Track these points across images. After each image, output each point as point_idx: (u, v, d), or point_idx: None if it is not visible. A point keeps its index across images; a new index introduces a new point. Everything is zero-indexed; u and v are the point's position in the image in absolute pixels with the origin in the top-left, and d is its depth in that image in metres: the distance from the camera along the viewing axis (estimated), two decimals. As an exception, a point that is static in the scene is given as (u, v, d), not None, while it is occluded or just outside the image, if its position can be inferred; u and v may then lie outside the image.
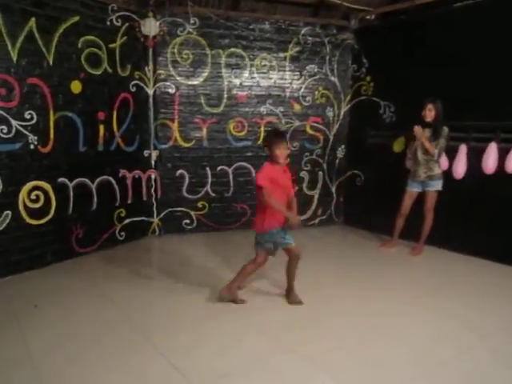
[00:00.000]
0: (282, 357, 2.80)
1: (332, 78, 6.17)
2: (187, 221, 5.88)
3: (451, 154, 4.85)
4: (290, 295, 3.67)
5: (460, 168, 4.80)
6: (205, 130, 5.82)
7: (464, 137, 4.82)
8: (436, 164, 4.76)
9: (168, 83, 5.62)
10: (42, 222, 4.43)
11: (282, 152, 3.36)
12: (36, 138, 4.31)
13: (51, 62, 4.39)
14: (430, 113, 4.67)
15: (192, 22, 5.53)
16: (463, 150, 4.79)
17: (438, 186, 4.77)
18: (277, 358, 2.79)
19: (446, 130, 4.65)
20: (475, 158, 4.71)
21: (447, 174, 4.83)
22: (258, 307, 3.55)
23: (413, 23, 5.35)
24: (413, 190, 4.92)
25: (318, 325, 3.27)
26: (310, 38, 5.98)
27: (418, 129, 4.66)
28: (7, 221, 4.12)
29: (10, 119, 4.09)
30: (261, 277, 4.16)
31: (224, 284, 3.66)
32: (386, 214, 5.28)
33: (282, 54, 5.96)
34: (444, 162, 4.87)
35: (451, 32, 4.91)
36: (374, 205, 5.78)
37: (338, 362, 2.74)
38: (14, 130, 4.12)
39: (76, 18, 4.58)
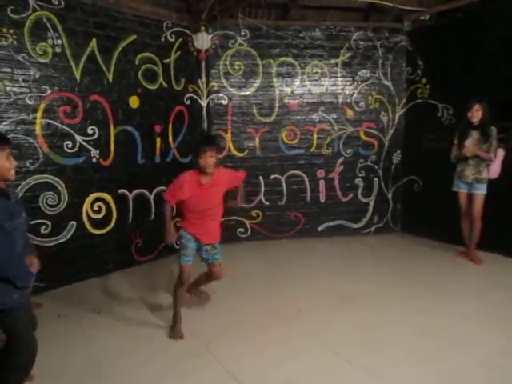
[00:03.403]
0: (340, 369, 2.74)
1: (385, 82, 6.03)
2: (241, 229, 5.93)
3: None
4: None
5: None
6: (257, 140, 5.87)
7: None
8: (485, 168, 4.55)
9: (221, 95, 5.74)
10: (104, 231, 4.65)
11: (205, 161, 3.09)
12: (98, 151, 4.54)
13: (111, 79, 4.64)
14: (477, 113, 4.48)
15: (243, 33, 5.63)
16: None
17: (484, 189, 4.57)
18: (335, 369, 2.73)
19: (494, 130, 4.45)
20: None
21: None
22: (317, 319, 3.49)
23: (470, 21, 5.12)
24: (462, 190, 4.74)
25: (378, 336, 3.16)
26: (361, 43, 5.90)
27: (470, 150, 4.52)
28: (72, 230, 4.37)
29: (75, 135, 4.35)
30: (319, 289, 4.11)
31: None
32: (447, 220, 5.06)
33: (333, 61, 5.91)
34: (496, 168, 4.56)
35: (512, 28, 4.66)
36: (434, 211, 5.55)
37: (400, 376, 2.63)
38: (77, 145, 4.38)
39: (133, 37, 4.82)
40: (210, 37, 5.55)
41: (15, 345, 2.25)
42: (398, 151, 6.19)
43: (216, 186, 3.25)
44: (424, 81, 5.80)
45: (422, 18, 5.79)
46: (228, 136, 5.81)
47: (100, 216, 4.61)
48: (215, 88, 5.72)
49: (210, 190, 3.21)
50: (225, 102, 5.76)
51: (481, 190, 4.57)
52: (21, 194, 3.98)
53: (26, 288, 2.28)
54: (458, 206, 4.80)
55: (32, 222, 4.05)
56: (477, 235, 4.69)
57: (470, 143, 4.57)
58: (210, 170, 3.16)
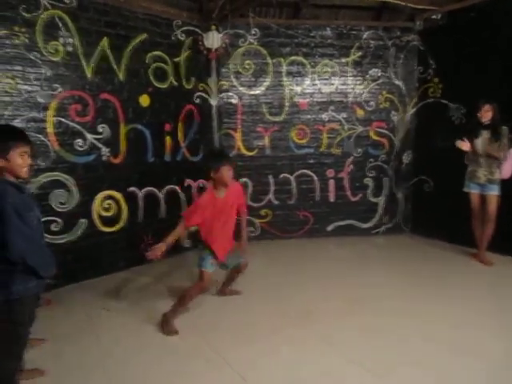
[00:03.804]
0: (349, 370, 2.72)
1: (396, 82, 5.99)
2: (251, 228, 5.92)
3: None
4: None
5: None
6: (267, 139, 5.87)
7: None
8: (498, 168, 4.51)
9: (231, 94, 5.74)
10: (114, 229, 4.68)
11: (227, 175, 3.24)
12: (108, 149, 4.57)
13: (121, 78, 4.66)
14: (487, 113, 4.46)
15: (253, 32, 5.63)
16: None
17: (497, 190, 4.52)
18: (345, 370, 2.71)
19: (505, 129, 4.41)
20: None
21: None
22: (327, 321, 3.46)
23: (482, 20, 5.07)
24: (474, 191, 4.68)
25: (385, 337, 3.13)
26: (372, 42, 5.86)
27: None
28: (83, 228, 4.39)
29: (85, 133, 4.38)
30: (330, 291, 4.09)
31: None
32: (458, 221, 5.01)
33: (343, 60, 5.88)
34: (508, 167, 4.52)
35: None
36: (445, 212, 5.50)
37: (410, 378, 2.61)
38: (88, 143, 4.40)
39: (144, 36, 4.83)
40: (220, 36, 5.54)
41: (11, 335, 2.28)
42: (409, 151, 6.15)
43: (229, 199, 3.36)
44: (436, 80, 5.74)
45: (433, 17, 5.73)
46: (238, 135, 5.81)
47: (110, 214, 4.63)
48: (225, 87, 5.72)
49: (224, 202, 3.32)
50: (235, 101, 5.76)
51: (494, 191, 4.52)
52: (32, 192, 4.00)
53: (48, 278, 2.35)
54: (469, 207, 4.75)
55: (43, 220, 4.07)
56: (489, 237, 4.64)
57: (480, 143, 4.54)
58: (230, 183, 3.31)
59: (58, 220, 4.20)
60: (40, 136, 4.05)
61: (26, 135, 2.35)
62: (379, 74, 5.96)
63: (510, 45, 4.77)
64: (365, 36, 5.85)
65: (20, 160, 2.23)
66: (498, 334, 3.15)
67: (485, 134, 4.52)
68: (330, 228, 6.12)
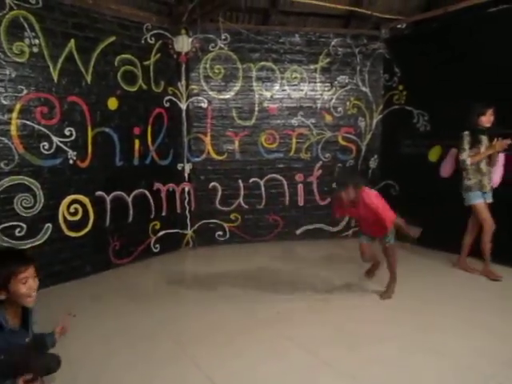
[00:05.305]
0: (319, 371, 2.76)
1: (363, 88, 6.14)
2: (220, 232, 5.94)
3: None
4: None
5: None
6: (237, 143, 5.89)
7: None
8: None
9: (200, 98, 5.75)
10: (81, 234, 4.59)
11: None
12: (75, 153, 4.49)
13: (89, 81, 4.60)
14: (491, 118, 4.23)
15: (223, 37, 5.66)
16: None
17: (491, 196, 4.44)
18: (314, 372, 2.75)
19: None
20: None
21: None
22: (295, 321, 3.52)
23: (445, 30, 5.27)
24: (484, 201, 4.38)
25: (356, 338, 3.20)
26: (340, 49, 5.99)
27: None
28: (48, 233, 4.30)
29: (51, 136, 4.29)
30: (298, 292, 4.15)
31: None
32: (423, 224, 5.15)
33: (312, 66, 5.99)
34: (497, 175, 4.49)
35: (485, 38, 4.80)
36: (410, 215, 5.63)
37: (376, 377, 2.67)
38: (54, 146, 4.32)
39: (112, 38, 4.79)
40: (190, 40, 5.55)
41: None
42: (375, 156, 6.30)
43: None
44: (401, 87, 5.93)
45: (399, 26, 5.92)
46: (207, 139, 5.81)
47: (77, 218, 4.55)
48: (195, 91, 5.72)
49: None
50: (204, 105, 5.77)
51: (491, 198, 4.41)
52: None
53: None
54: (480, 218, 4.39)
55: (6, 225, 3.99)
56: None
57: (484, 149, 4.34)
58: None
59: (23, 225, 4.09)
60: (4, 139, 3.95)
61: (25, 254, 2.08)
62: (347, 81, 6.09)
63: (472, 54, 4.96)
64: (333, 43, 5.97)
65: (23, 288, 1.96)
66: (475, 329, 3.26)
67: (484, 140, 4.31)
68: (299, 231, 6.19)
